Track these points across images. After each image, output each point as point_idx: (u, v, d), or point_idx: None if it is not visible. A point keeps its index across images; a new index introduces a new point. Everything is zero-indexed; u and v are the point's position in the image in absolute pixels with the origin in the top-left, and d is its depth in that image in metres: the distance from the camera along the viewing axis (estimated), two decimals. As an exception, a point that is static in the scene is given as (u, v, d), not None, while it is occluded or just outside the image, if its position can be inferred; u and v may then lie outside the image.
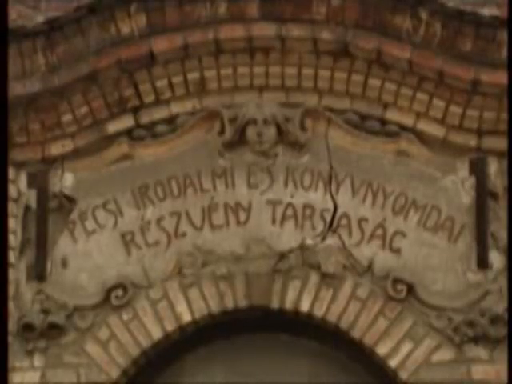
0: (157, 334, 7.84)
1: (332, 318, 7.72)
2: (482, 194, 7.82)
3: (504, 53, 7.88)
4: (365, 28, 7.89)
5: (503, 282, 7.72)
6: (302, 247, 7.84)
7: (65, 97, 8.08)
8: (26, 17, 8.45)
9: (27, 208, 8.14)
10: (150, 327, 7.81)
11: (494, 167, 7.88)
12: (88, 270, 7.99)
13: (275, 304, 7.79)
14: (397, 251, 7.80)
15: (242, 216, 7.97)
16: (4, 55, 7.94)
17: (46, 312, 7.77)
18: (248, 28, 7.96)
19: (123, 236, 8.01)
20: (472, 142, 7.95)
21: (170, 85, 8.12)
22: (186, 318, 7.83)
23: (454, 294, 7.69)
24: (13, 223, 8.13)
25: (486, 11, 8.10)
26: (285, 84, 8.12)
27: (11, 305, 7.92)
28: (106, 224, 8.06)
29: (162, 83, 8.11)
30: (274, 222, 7.96)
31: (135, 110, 8.17)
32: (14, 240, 8.07)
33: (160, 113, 8.20)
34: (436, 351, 7.60)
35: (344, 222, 7.87)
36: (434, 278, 7.75)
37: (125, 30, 7.94)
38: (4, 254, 7.70)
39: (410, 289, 7.65)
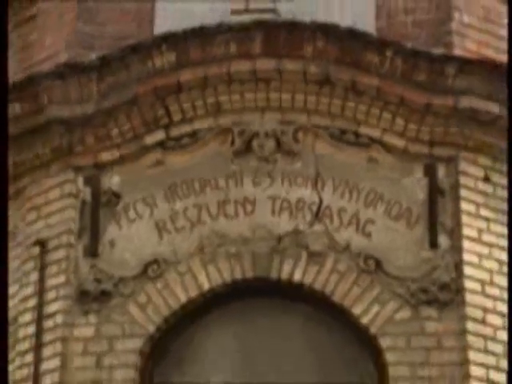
0: (183, 298, 7.87)
1: (318, 286, 7.79)
2: (433, 191, 7.98)
3: (450, 81, 7.99)
4: (343, 63, 8.00)
5: (449, 258, 7.79)
6: (295, 232, 7.94)
7: (112, 116, 8.21)
8: (83, 55, 8.40)
9: (83, 202, 8.21)
10: (178, 293, 7.87)
11: (442, 170, 8.05)
12: (130, 249, 8.06)
13: (274, 275, 7.87)
14: (368, 235, 7.92)
15: (249, 208, 8.08)
16: (4, 56, 7.74)
17: (98, 281, 7.88)
18: (253, 63, 8.05)
19: (157, 223, 8.09)
20: (425, 150, 8.12)
21: (193, 107, 8.22)
22: (206, 286, 7.89)
23: (412, 267, 7.78)
24: (73, 214, 8.18)
25: (436, 50, 8.12)
26: (281, 106, 8.22)
27: (72, 276, 7.98)
28: (144, 214, 8.14)
29: (186, 106, 8.20)
30: (273, 212, 8.05)
31: (166, 127, 8.27)
32: (74, 226, 8.13)
33: (185, 128, 8.30)
34: (398, 311, 7.66)
35: (327, 212, 7.96)
36: (396, 256, 7.85)
37: (158, 64, 8.07)
38: (4, 254, 7.50)
39: (378, 264, 7.78)
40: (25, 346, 8.01)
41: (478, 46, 8.46)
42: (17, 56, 9.07)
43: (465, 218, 8.00)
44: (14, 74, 8.77)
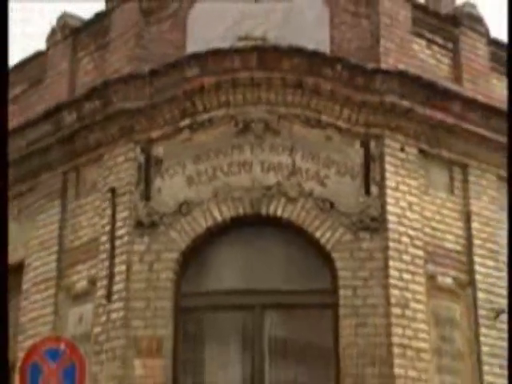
0: (203, 226, 8.21)
1: (293, 219, 8.17)
2: (367, 157, 8.31)
3: (378, 85, 8.40)
4: (309, 73, 8.39)
5: (377, 201, 8.16)
6: (278, 184, 8.24)
7: (158, 108, 8.55)
8: (139, 68, 8.67)
9: (140, 164, 8.41)
10: (201, 223, 8.23)
11: (373, 144, 8.35)
12: (170, 194, 8.33)
13: (264, 212, 8.19)
14: (325, 185, 8.25)
15: (247, 168, 8.34)
16: (4, 58, 7.36)
17: (149, 215, 8.21)
18: (250, 73, 8.40)
19: (187, 178, 8.35)
20: (362, 131, 8.43)
21: (210, 102, 8.50)
22: (219, 219, 8.22)
23: (353, 207, 8.15)
24: (133, 171, 8.39)
25: (370, 65, 8.49)
26: (269, 101, 8.47)
27: (132, 212, 8.26)
28: (178, 172, 8.38)
29: (206, 101, 8.49)
30: (262, 171, 8.32)
31: (192, 115, 8.51)
32: (133, 180, 8.36)
33: (205, 116, 8.51)
34: (344, 235, 8.09)
35: (298, 171, 8.28)
36: (343, 199, 8.19)
37: (188, 74, 8.43)
38: (4, 254, 7.02)
39: (332, 205, 8.15)
40: (103, 256, 8.35)
41: (395, 62, 8.65)
42: (96, 69, 9.30)
43: (388, 175, 8.30)
44: (94, 80, 9.06)
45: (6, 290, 6.93)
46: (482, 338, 8.37)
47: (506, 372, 8.24)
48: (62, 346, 7.31)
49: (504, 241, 8.85)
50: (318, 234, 8.19)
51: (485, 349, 8.35)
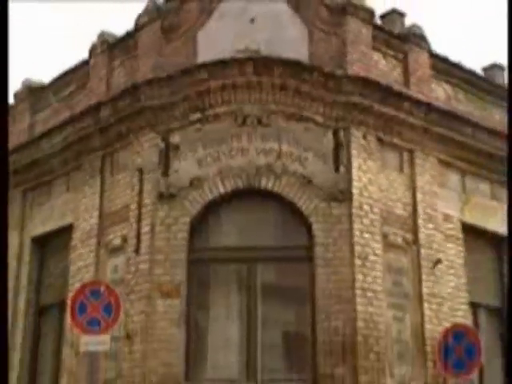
0: (210, 197, 8.10)
1: (280, 191, 8.07)
2: (336, 143, 8.18)
3: (344, 87, 8.23)
4: (292, 77, 8.23)
5: (345, 178, 8.03)
6: (268, 164, 8.10)
7: (175, 105, 8.36)
8: (160, 73, 8.42)
9: (161, 149, 8.24)
10: (207, 194, 8.12)
11: (341, 133, 8.22)
12: (184, 172, 8.15)
13: (257, 186, 8.08)
14: (305, 166, 8.09)
15: (245, 153, 8.17)
16: (4, 62, 6.74)
17: (168, 189, 8.11)
18: (247, 78, 8.26)
19: (197, 160, 8.17)
20: (333, 124, 8.26)
21: (216, 101, 8.32)
22: (222, 190, 8.08)
23: (326, 182, 8.05)
24: (155, 154, 8.23)
25: (338, 72, 8.31)
26: (261, 100, 8.30)
27: (155, 185, 8.08)
28: (190, 155, 8.18)
29: (213, 100, 8.32)
30: (257, 154, 8.15)
31: (202, 110, 8.35)
32: (155, 161, 8.19)
33: (212, 112, 8.32)
34: (320, 204, 8.01)
35: (283, 155, 8.13)
36: (319, 177, 8.07)
37: (198, 78, 8.27)
38: (4, 253, 6.44)
39: (309, 181, 8.05)
40: (133, 219, 8.29)
41: (359, 70, 8.48)
42: (127, 75, 9.09)
43: (353, 158, 8.18)
44: (125, 83, 8.89)
45: (6, 290, 6.52)
46: (423, 283, 8.37)
47: (441, 308, 8.38)
48: (102, 288, 7.36)
49: (441, 209, 8.87)
50: (299, 204, 8.13)
51: (425, 290, 8.36)
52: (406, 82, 9.05)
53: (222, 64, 8.31)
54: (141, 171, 8.40)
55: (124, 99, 8.70)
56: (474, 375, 8.18)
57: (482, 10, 30.23)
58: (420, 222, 8.55)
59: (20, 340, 9.35)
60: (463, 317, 8.53)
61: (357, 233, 7.99)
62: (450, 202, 8.97)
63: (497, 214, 9.40)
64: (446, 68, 9.58)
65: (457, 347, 7.84)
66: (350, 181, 8.15)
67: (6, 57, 6.70)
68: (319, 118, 8.36)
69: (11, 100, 10.69)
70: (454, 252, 8.77)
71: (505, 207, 9.22)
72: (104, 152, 9.04)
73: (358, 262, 7.88)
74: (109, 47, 9.52)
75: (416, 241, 8.46)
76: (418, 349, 8.04)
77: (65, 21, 30.94)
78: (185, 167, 8.27)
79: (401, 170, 8.73)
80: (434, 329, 8.15)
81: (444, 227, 8.79)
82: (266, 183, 8.16)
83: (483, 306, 9.08)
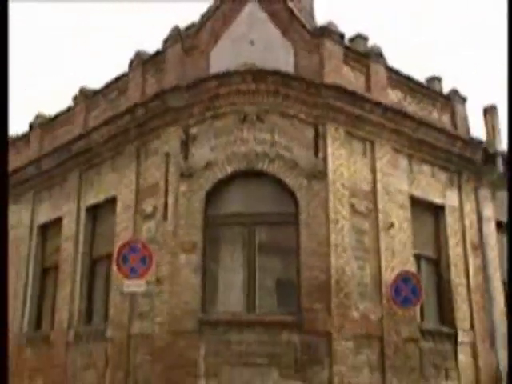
0: (220, 175, 7.65)
1: (273, 172, 7.64)
2: (315, 136, 7.78)
3: (323, 93, 7.82)
4: (282, 85, 7.79)
5: (322, 161, 7.64)
6: (263, 151, 7.71)
7: (195, 105, 7.90)
8: (179, 83, 8.00)
9: (181, 139, 7.80)
10: (217, 174, 7.71)
11: (321, 128, 7.82)
12: (201, 155, 7.77)
13: (255, 168, 7.64)
14: (291, 153, 7.69)
15: (245, 142, 7.75)
16: (4, 62, 5.52)
17: (188, 170, 7.76)
18: (247, 85, 7.80)
19: (211, 148, 7.82)
20: (313, 120, 7.79)
21: (224, 103, 7.89)
22: (229, 170, 7.73)
23: (307, 165, 7.67)
24: (178, 142, 7.83)
25: (318, 81, 7.89)
26: (257, 103, 7.83)
27: (177, 167, 7.69)
28: (206, 143, 7.81)
29: (221, 102, 7.88)
30: (256, 144, 7.74)
31: (214, 109, 7.91)
32: (178, 148, 7.81)
33: (220, 111, 7.88)
34: (302, 182, 7.61)
35: (276, 145, 7.72)
36: (302, 160, 7.66)
37: (209, 86, 7.84)
38: (4, 253, 5.34)
39: (295, 164, 7.67)
40: (161, 193, 7.84)
41: (333, 79, 8.07)
42: (156, 83, 8.60)
43: (328, 147, 7.82)
44: (155, 89, 8.44)
45: (6, 291, 5.81)
46: (380, 240, 8.09)
47: (393, 259, 8.06)
48: (139, 245, 7.18)
49: (394, 185, 8.49)
50: (287, 181, 7.81)
51: (381, 246, 8.08)
52: (368, 89, 8.67)
53: (228, 75, 7.97)
54: (167, 156, 8.06)
55: (154, 102, 8.34)
56: (417, 308, 8.00)
57: (427, 32, 30.36)
58: (378, 194, 8.24)
59: (79, 282, 9.10)
60: (409, 265, 8.27)
61: (331, 203, 7.70)
62: (401, 180, 8.64)
63: (435, 189, 9.08)
64: (398, 78, 9.20)
65: (404, 288, 7.68)
66: (326, 164, 7.83)
67: (6, 57, 5.72)
68: (303, 116, 8.01)
69: (70, 102, 10.35)
70: (403, 217, 8.47)
71: (441, 184, 8.98)
72: (139, 142, 8.68)
73: (331, 225, 7.62)
74: (143, 63, 9.11)
75: (375, 209, 8.16)
76: (375, 290, 7.83)
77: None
78: (200, 153, 7.95)
79: (364, 155, 8.37)
80: (388, 275, 7.91)
81: (396, 199, 8.47)
82: (262, 165, 7.82)
83: (424, 257, 8.79)
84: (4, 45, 5.43)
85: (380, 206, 8.18)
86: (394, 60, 9.05)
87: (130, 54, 9.24)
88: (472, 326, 8.60)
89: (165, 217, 7.81)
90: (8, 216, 6.57)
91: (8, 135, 6.54)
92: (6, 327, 5.37)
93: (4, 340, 5.12)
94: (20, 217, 10.35)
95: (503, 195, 9.34)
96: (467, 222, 9.10)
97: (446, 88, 9.86)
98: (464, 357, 8.35)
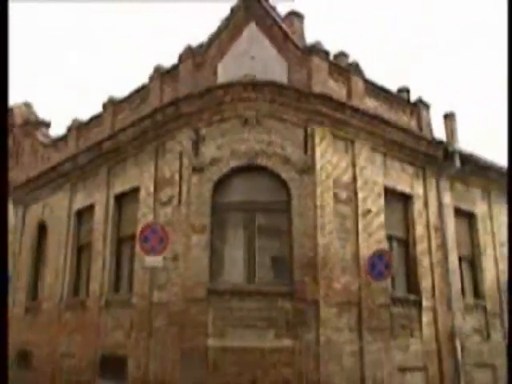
0: (225, 169, 7.28)
1: (270, 166, 7.24)
2: (305, 135, 7.38)
3: (312, 100, 7.38)
4: (277, 94, 7.38)
5: (310, 157, 7.21)
6: (261, 149, 7.32)
7: (204, 110, 7.47)
8: (187, 96, 7.69)
9: (192, 139, 7.46)
10: (222, 167, 7.29)
11: (310, 129, 7.36)
12: (209, 149, 7.36)
13: (255, 163, 7.28)
14: (285, 150, 7.32)
15: (246, 141, 7.34)
16: (4, 62, 4.61)
17: (198, 164, 7.29)
18: (248, 93, 7.39)
19: (217, 145, 7.38)
20: (304, 123, 7.39)
21: (228, 107, 7.46)
22: (232, 164, 7.26)
23: (298, 161, 7.29)
24: (189, 142, 7.37)
25: (306, 90, 7.47)
26: (256, 109, 7.40)
27: (190, 160, 7.23)
28: (213, 141, 7.40)
29: (226, 106, 7.42)
30: (256, 143, 7.35)
31: (220, 112, 7.45)
32: (189, 145, 7.41)
33: (225, 115, 7.46)
34: (293, 174, 7.24)
35: (271, 143, 7.34)
36: (293, 157, 7.28)
37: (216, 94, 7.40)
38: (4, 253, 4.48)
39: (286, 160, 7.27)
40: (176, 183, 7.49)
41: (320, 89, 7.60)
42: (172, 92, 8.17)
43: (316, 145, 7.42)
44: (171, 97, 8.04)
45: (7, 291, 5.24)
46: (359, 224, 7.71)
47: (370, 239, 7.68)
48: (158, 227, 6.87)
49: (371, 178, 8.05)
50: (281, 174, 7.40)
51: (360, 228, 7.71)
52: (349, 97, 8.23)
53: (232, 85, 7.57)
54: (180, 154, 7.67)
55: (170, 108, 7.92)
56: (388, 280, 7.68)
57: (400, 47, 29.91)
58: (358, 185, 7.84)
59: (109, 258, 8.75)
60: (383, 244, 7.91)
61: (318, 193, 7.32)
62: (377, 173, 8.21)
63: (405, 181, 8.68)
64: (373, 88, 8.75)
65: (378, 263, 7.39)
66: (314, 160, 7.42)
67: (6, 57, 4.81)
68: (294, 120, 7.59)
69: (101, 109, 9.91)
70: (378, 204, 8.07)
71: (409, 177, 8.57)
72: (157, 142, 8.25)
73: (318, 211, 7.26)
74: (161, 75, 8.67)
75: (355, 197, 7.78)
76: (354, 265, 7.48)
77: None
78: (208, 151, 7.55)
79: (346, 153, 7.94)
80: (365, 252, 7.57)
81: (373, 189, 8.06)
82: (261, 161, 7.41)
83: (394, 238, 8.42)
84: (4, 45, 4.69)
85: (359, 195, 7.80)
86: (370, 73, 8.68)
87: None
88: (433, 294, 8.39)
89: (179, 204, 7.45)
90: (8, 216, 5.90)
91: (8, 136, 5.71)
92: (6, 327, 4.29)
93: (4, 340, 4.14)
94: (60, 204, 10.24)
95: (460, 186, 9.32)
96: (430, 208, 8.80)
97: (413, 97, 9.55)
98: (426, 319, 8.15)
